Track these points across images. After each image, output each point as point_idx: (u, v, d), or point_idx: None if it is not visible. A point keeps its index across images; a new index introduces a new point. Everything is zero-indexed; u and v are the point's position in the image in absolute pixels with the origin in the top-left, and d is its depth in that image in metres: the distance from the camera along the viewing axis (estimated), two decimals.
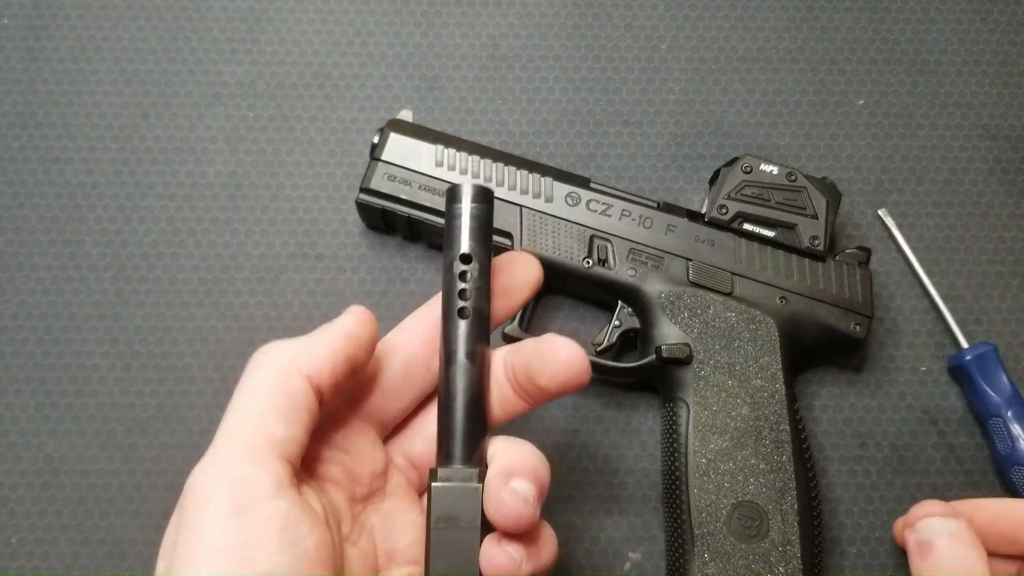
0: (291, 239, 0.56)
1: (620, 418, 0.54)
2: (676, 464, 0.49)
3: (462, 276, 0.38)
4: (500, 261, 0.41)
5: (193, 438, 0.53)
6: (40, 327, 0.54)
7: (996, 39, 0.61)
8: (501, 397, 0.39)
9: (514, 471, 0.36)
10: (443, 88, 0.59)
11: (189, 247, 0.56)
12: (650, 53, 0.61)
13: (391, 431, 0.41)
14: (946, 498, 0.53)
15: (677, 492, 0.48)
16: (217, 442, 0.35)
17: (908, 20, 0.62)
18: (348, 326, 0.38)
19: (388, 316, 0.55)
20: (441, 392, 0.38)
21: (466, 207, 0.39)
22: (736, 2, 0.62)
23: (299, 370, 0.36)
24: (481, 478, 0.36)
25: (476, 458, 0.37)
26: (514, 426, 0.53)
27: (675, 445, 0.49)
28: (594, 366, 0.53)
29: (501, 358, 0.40)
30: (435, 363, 0.40)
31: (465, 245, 0.38)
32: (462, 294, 0.38)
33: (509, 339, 0.52)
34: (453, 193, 0.39)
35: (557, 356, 0.38)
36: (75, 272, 0.55)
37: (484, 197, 0.39)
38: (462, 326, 0.38)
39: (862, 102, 0.60)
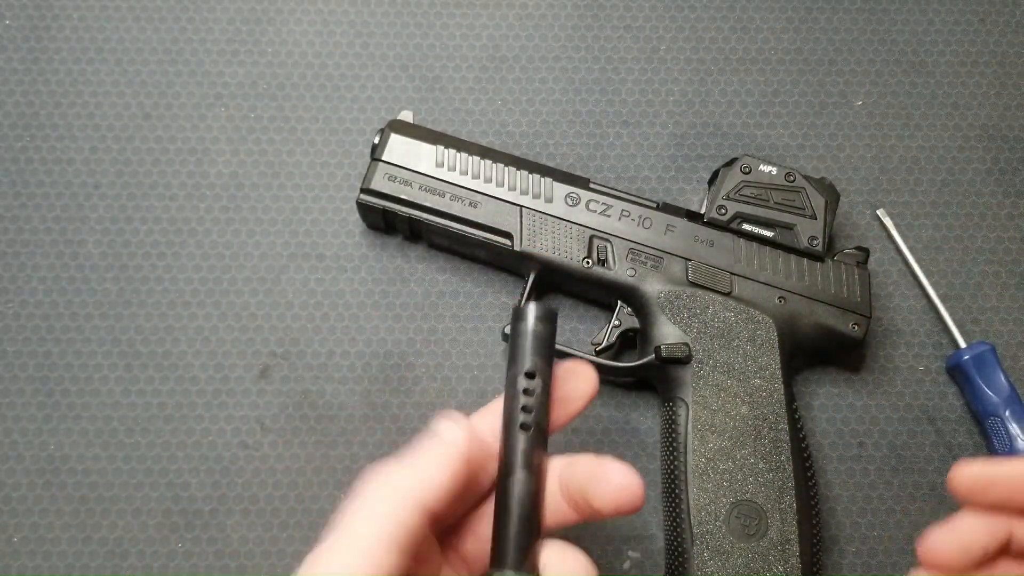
0: (292, 239, 0.56)
1: (619, 417, 0.54)
2: (675, 463, 0.49)
3: (526, 392, 0.40)
4: (559, 372, 0.43)
5: (194, 437, 0.53)
6: (42, 326, 0.55)
7: (994, 40, 0.62)
8: (553, 508, 0.41)
9: None
10: (443, 89, 0.60)
11: (190, 247, 0.56)
12: (650, 54, 0.61)
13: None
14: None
15: (676, 491, 0.49)
16: (330, 557, 0.35)
17: (906, 21, 0.62)
18: (462, 448, 0.38)
19: (388, 316, 0.55)
20: (498, 500, 0.40)
21: (531, 326, 0.41)
22: (735, 3, 0.62)
23: (418, 503, 0.36)
24: None
25: (529, 565, 0.39)
26: None
27: (674, 444, 0.49)
28: (594, 366, 0.53)
29: (557, 471, 0.41)
30: (493, 468, 0.41)
31: (529, 362, 0.41)
32: (525, 409, 0.40)
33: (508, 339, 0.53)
34: (520, 313, 0.41)
35: (613, 483, 0.39)
36: (77, 272, 0.56)
37: (549, 317, 0.41)
38: (522, 439, 0.40)
39: (860, 103, 0.60)
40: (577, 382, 0.42)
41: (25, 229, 0.56)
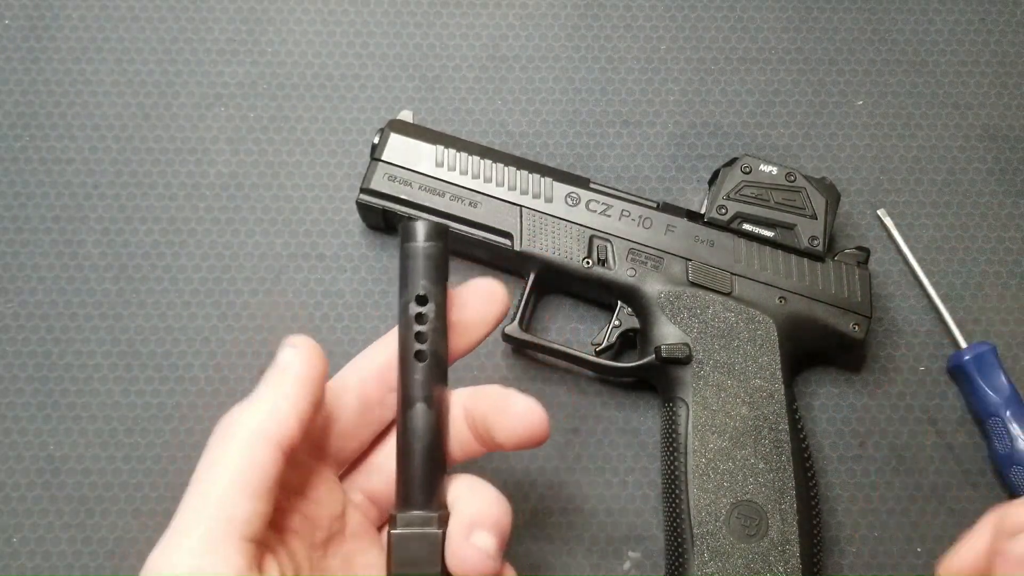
0: (291, 239, 0.56)
1: (619, 418, 0.54)
2: (675, 463, 0.49)
3: (418, 318, 0.37)
4: (461, 293, 0.40)
5: (194, 437, 0.53)
6: (41, 327, 0.54)
7: (995, 40, 0.61)
8: (460, 439, 0.39)
9: (476, 522, 0.36)
10: (443, 88, 0.59)
11: (190, 247, 0.56)
12: (650, 53, 0.61)
13: (347, 467, 0.40)
14: (945, 498, 0.53)
15: (676, 491, 0.49)
16: (177, 525, 0.33)
17: (907, 21, 0.62)
18: (302, 371, 0.36)
19: (389, 316, 0.55)
20: (399, 437, 0.38)
21: (420, 245, 0.38)
22: (735, 3, 0.62)
23: (267, 439, 0.34)
24: (441, 523, 0.36)
25: (436, 502, 0.37)
26: None
27: (674, 444, 0.49)
28: (594, 366, 0.53)
29: (461, 400, 0.39)
30: (392, 400, 0.39)
31: (420, 286, 0.37)
32: (419, 337, 0.37)
33: (508, 339, 0.53)
34: (406, 231, 0.38)
35: (515, 415, 0.37)
36: (76, 272, 0.55)
37: (438, 234, 0.38)
38: (419, 369, 0.37)
39: (861, 102, 0.60)
40: (479, 304, 0.39)
41: (25, 229, 0.56)
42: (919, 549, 0.53)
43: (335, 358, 0.54)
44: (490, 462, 0.53)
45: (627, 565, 0.52)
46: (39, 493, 0.52)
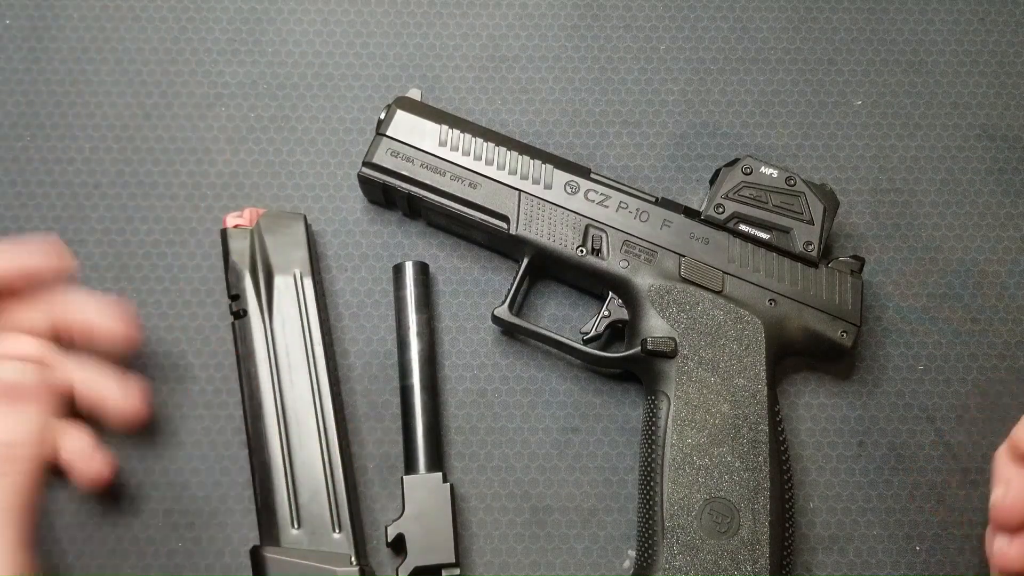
0: None
1: (619, 416, 0.54)
2: (652, 456, 0.49)
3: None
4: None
5: (195, 436, 0.53)
6: None
7: (994, 40, 0.62)
8: None
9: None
10: (443, 88, 0.60)
11: (191, 247, 0.56)
12: (649, 53, 0.61)
13: None
14: (944, 496, 0.53)
15: (652, 484, 0.49)
16: None
17: (906, 21, 0.62)
18: None
19: (388, 315, 0.55)
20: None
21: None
22: (735, 3, 0.62)
23: None
24: None
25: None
26: (513, 424, 0.54)
27: (653, 437, 0.49)
28: (581, 354, 0.53)
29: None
30: None
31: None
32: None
33: (497, 320, 0.53)
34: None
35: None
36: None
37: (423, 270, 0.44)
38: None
39: (860, 102, 0.60)
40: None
41: (26, 229, 0.56)
42: (918, 548, 0.53)
43: (335, 357, 0.55)
44: (489, 460, 0.53)
45: (627, 564, 0.52)
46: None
